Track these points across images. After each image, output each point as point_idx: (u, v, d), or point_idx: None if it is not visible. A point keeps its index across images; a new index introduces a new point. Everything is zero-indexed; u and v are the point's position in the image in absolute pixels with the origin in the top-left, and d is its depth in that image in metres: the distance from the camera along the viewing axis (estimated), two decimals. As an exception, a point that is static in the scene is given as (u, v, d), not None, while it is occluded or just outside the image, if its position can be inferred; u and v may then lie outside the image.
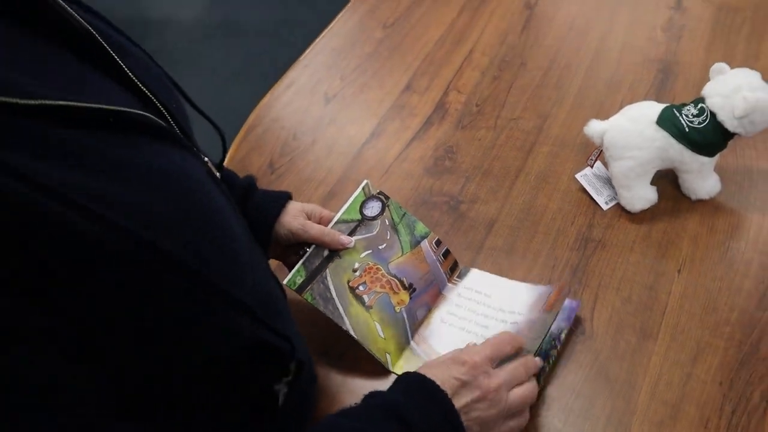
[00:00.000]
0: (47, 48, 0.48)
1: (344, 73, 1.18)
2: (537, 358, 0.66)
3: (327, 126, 1.08)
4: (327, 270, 0.73)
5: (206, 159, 0.58)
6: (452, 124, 1.03)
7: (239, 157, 1.09)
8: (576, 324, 0.74)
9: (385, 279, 0.75)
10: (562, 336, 0.72)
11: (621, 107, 0.98)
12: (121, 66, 0.51)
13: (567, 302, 0.74)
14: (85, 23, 0.51)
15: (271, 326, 0.50)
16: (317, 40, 1.30)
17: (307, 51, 1.27)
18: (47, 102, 0.39)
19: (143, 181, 0.43)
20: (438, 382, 0.59)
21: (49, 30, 0.48)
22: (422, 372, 0.60)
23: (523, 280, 0.80)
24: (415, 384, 0.59)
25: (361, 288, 0.73)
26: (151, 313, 0.41)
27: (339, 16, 1.34)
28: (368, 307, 0.73)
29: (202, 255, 0.44)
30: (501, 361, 0.65)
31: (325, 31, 1.31)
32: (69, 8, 0.50)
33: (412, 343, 0.74)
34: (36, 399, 0.36)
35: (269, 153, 1.07)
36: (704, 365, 0.70)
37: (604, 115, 0.98)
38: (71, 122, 0.41)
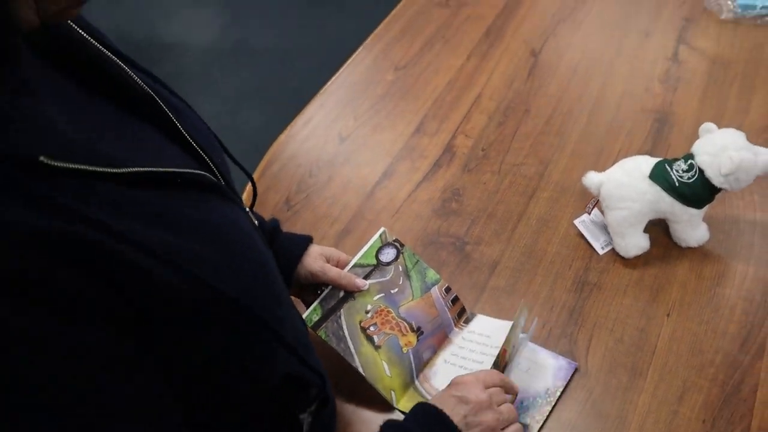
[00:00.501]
0: (120, 113, 0.55)
1: (358, 113, 1.25)
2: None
3: (341, 165, 1.15)
4: (341, 310, 0.79)
5: (247, 209, 0.65)
6: (459, 167, 1.09)
7: (257, 193, 1.15)
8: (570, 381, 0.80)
9: (394, 321, 0.81)
10: (558, 393, 0.78)
11: (619, 155, 1.05)
12: (179, 127, 0.58)
13: (565, 362, 0.80)
14: (147, 88, 0.58)
15: (307, 362, 0.57)
16: (332, 78, 1.37)
17: (322, 90, 1.34)
18: (133, 170, 0.46)
19: (208, 236, 0.50)
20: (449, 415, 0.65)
21: (119, 94, 0.56)
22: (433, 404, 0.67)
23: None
24: (432, 416, 0.65)
25: (371, 329, 0.79)
26: (214, 348, 0.49)
27: (353, 56, 1.41)
28: (377, 347, 0.79)
29: (256, 299, 0.51)
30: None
31: (340, 70, 1.38)
32: (133, 74, 0.57)
33: (416, 382, 0.80)
34: (129, 410, 0.45)
35: (286, 190, 1.13)
36: (689, 404, 0.76)
37: (602, 163, 1.04)
38: (147, 184, 0.48)
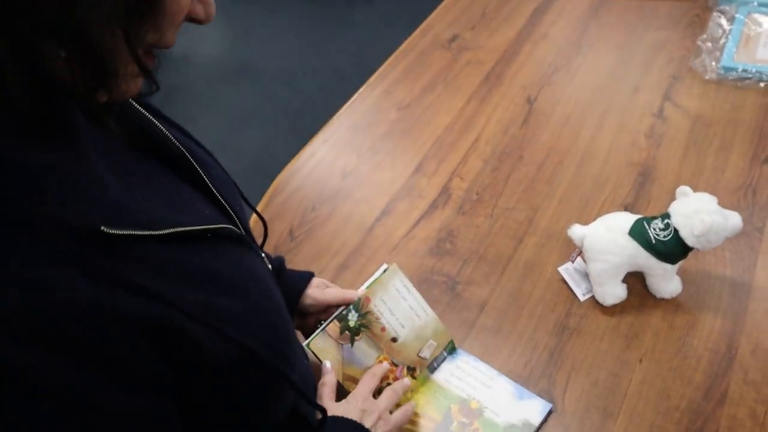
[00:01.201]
0: (156, 167, 0.61)
1: (360, 151, 1.33)
2: (406, 379, 0.87)
3: (343, 200, 1.22)
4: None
5: (263, 254, 0.72)
6: (454, 209, 1.16)
7: (267, 232, 1.22)
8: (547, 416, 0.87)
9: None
10: (533, 430, 0.85)
11: (604, 206, 1.13)
12: (207, 182, 0.65)
13: (542, 403, 0.87)
14: (179, 144, 0.64)
15: (311, 400, 0.63)
16: (336, 114, 1.44)
17: (326, 125, 1.42)
18: (173, 231, 0.52)
19: (234, 289, 0.56)
20: (354, 417, 0.76)
21: (153, 148, 0.62)
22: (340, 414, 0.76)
23: (508, 359, 0.93)
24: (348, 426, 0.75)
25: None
26: (233, 392, 0.56)
27: (357, 93, 1.49)
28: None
29: (272, 346, 0.58)
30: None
31: (344, 107, 1.46)
32: (165, 129, 0.64)
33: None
34: None
35: (290, 221, 1.20)
36: (656, 446, 0.83)
37: (588, 212, 1.12)
38: (182, 240, 0.54)
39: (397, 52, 1.60)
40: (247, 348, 0.54)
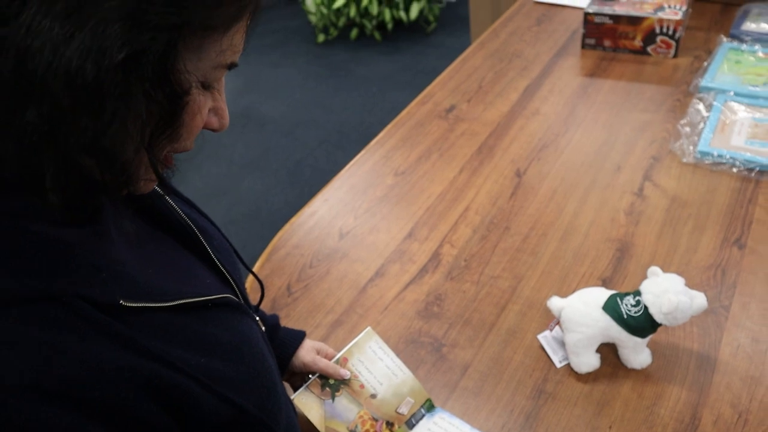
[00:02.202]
0: (163, 239, 0.69)
1: (357, 213, 1.41)
2: None
3: (340, 259, 1.30)
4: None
5: (257, 317, 0.79)
6: (443, 274, 1.24)
7: (262, 275, 1.29)
8: None
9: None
10: None
11: (583, 278, 1.20)
12: (210, 253, 0.72)
13: None
14: (186, 218, 0.72)
15: None
16: (339, 174, 1.53)
17: (328, 185, 1.50)
18: (181, 302, 0.60)
19: (231, 354, 0.63)
20: None
21: (161, 222, 0.70)
22: None
23: (486, 420, 0.99)
24: None
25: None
26: None
27: (357, 157, 1.58)
28: None
29: (263, 406, 0.64)
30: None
31: (345, 169, 1.55)
32: (172, 203, 0.72)
33: None
34: None
35: (288, 277, 1.27)
36: None
37: (568, 284, 1.20)
38: (186, 309, 0.61)
39: (396, 119, 1.71)
40: (240, 407, 0.60)
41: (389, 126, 1.68)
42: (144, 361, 0.53)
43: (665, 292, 0.97)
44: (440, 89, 1.82)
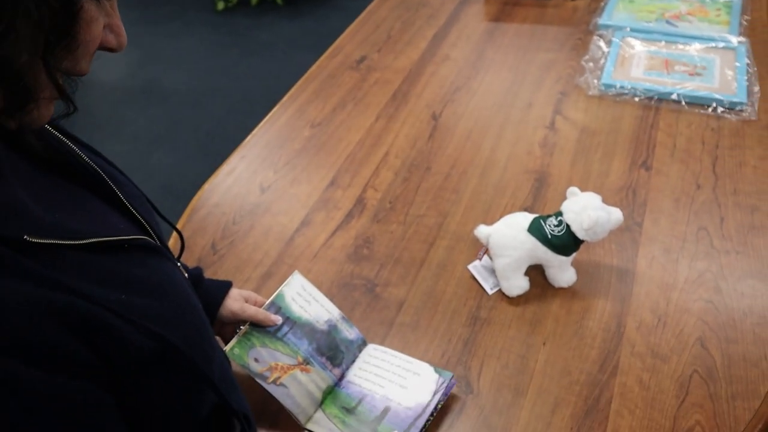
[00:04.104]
0: (71, 187, 0.65)
1: (277, 166, 1.38)
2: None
3: (263, 214, 1.27)
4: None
5: (179, 264, 0.76)
6: (369, 217, 1.24)
7: (184, 236, 1.25)
8: (451, 397, 0.94)
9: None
10: (439, 406, 0.92)
11: (505, 209, 1.23)
12: (121, 198, 0.69)
13: (443, 378, 0.94)
14: (93, 164, 0.68)
15: (230, 403, 0.66)
16: (253, 131, 1.49)
17: (243, 143, 1.46)
18: (92, 240, 0.57)
19: (153, 291, 0.60)
20: None
21: (68, 170, 0.66)
22: None
23: (426, 351, 1.00)
24: None
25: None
26: (157, 386, 0.59)
27: (271, 113, 1.55)
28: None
29: (193, 344, 0.62)
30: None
31: (259, 126, 1.51)
32: (78, 150, 0.68)
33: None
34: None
35: (211, 235, 1.24)
36: (560, 416, 0.92)
37: (491, 216, 1.22)
38: (102, 250, 0.58)
39: (307, 74, 1.68)
40: (165, 340, 0.57)
41: (301, 81, 1.66)
42: (57, 293, 0.51)
43: (584, 209, 1.00)
44: (349, 41, 1.80)
